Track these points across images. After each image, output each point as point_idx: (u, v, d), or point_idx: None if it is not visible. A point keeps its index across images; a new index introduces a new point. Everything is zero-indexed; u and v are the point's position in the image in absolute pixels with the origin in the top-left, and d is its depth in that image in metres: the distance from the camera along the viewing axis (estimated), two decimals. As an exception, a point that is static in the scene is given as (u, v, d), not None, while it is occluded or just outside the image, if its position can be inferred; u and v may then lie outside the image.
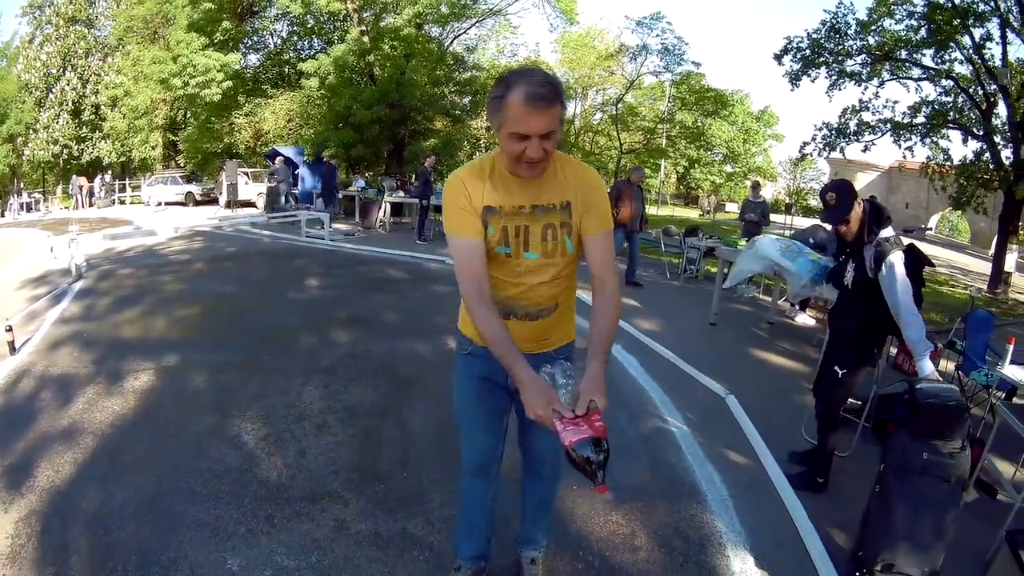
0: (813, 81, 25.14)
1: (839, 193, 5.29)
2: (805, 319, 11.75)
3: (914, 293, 5.16)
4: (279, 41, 37.94)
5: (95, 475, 5.18)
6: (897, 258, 5.07)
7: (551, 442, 3.25)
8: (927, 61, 22.52)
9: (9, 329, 8.34)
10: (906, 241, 5.42)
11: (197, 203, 35.36)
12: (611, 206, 11.27)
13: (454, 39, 35.70)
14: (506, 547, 4.15)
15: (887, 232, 5.20)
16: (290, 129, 33.51)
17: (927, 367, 4.96)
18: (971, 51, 20.73)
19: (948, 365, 8.31)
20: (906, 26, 22.36)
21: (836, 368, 5.57)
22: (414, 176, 28.25)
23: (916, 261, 5.29)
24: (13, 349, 8.24)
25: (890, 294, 5.10)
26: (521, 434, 3.64)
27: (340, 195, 26.47)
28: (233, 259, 16.26)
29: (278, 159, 28.37)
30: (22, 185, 48.32)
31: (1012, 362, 6.08)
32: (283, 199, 27.32)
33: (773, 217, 21.23)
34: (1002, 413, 5.41)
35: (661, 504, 5.08)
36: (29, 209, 37.50)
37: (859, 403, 6.79)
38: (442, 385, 6.74)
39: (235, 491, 4.91)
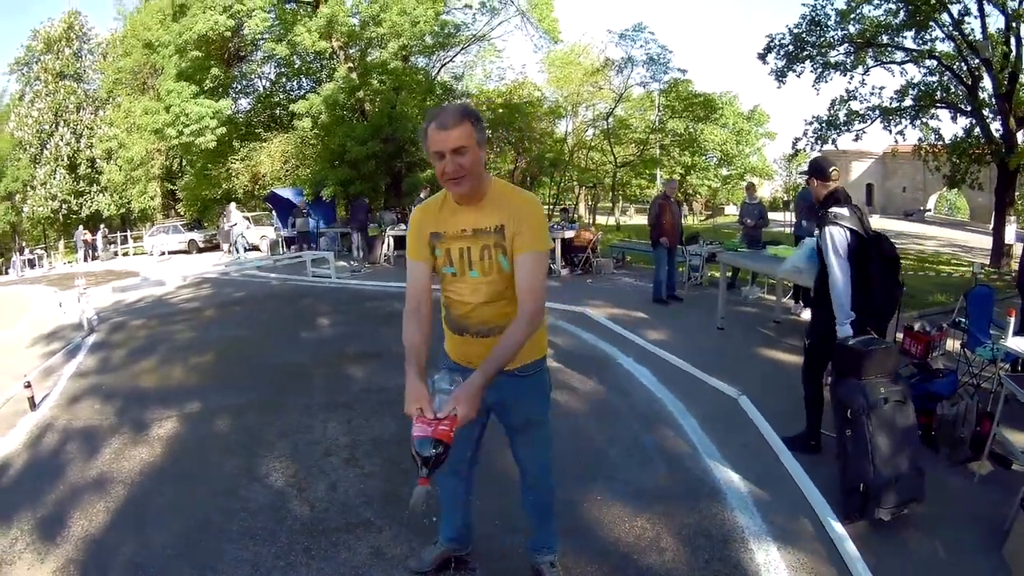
0: (799, 76, 25.17)
1: (814, 164, 6.36)
2: (810, 316, 11.62)
3: (888, 288, 5.83)
4: (268, 84, 37.90)
5: (129, 522, 5.26)
6: (837, 231, 5.69)
7: (531, 454, 3.96)
8: (909, 43, 22.68)
9: (28, 385, 8.40)
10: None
11: (200, 250, 35.39)
12: (652, 224, 11.25)
13: (441, 67, 35.72)
14: (523, 556, 4.30)
15: (841, 211, 5.76)
16: (287, 170, 33.48)
17: (847, 331, 5.55)
18: (951, 28, 20.83)
19: (955, 344, 8.44)
20: (885, 10, 22.48)
21: (806, 340, 6.54)
22: (412, 208, 27.86)
23: (882, 255, 5.81)
24: (34, 405, 8.31)
25: (825, 255, 5.78)
26: (510, 445, 3.98)
27: (339, 232, 26.28)
28: (242, 303, 16.31)
29: (300, 200, 28.16)
30: (23, 242, 48.41)
31: (1016, 334, 6.22)
32: (311, 243, 26.22)
33: (774, 216, 21.28)
34: (1008, 385, 5.35)
35: (682, 506, 5.16)
36: (33, 265, 37.51)
37: None
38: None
39: (270, 527, 5.00)
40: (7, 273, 37.10)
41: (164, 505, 5.52)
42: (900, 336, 8.96)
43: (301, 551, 4.66)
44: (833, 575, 4.34)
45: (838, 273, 5.63)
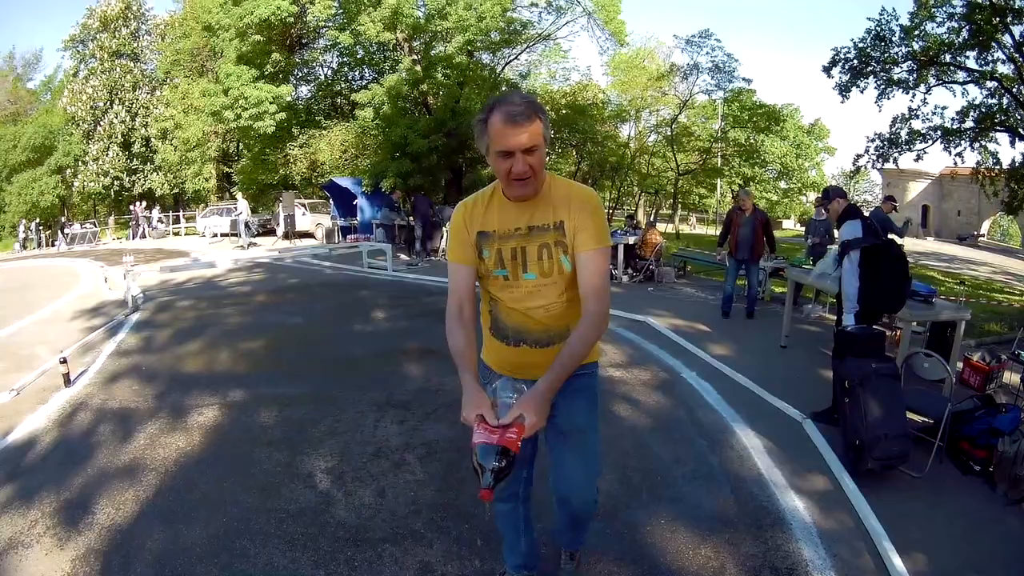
0: (862, 91, 25.27)
1: (827, 191, 8.33)
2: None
3: (896, 281, 7.14)
4: (330, 72, 38.06)
5: (159, 514, 5.11)
6: (851, 226, 7.27)
7: (574, 464, 3.53)
8: (971, 63, 22.62)
9: (64, 361, 8.32)
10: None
11: (254, 235, 35.46)
12: (723, 235, 11.51)
13: (506, 65, 35.61)
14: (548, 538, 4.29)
15: (854, 223, 7.31)
16: (346, 160, 33.55)
17: (851, 320, 6.96)
18: (1012, 50, 20.66)
19: (1013, 377, 8.50)
20: (947, 28, 22.62)
21: (836, 329, 7.47)
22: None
23: (890, 255, 7.17)
24: (68, 381, 8.25)
25: (841, 255, 7.29)
26: (551, 453, 3.65)
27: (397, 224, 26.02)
28: (296, 291, 16.32)
29: (396, 194, 27.44)
30: (68, 217, 48.75)
31: None
32: (418, 244, 23.99)
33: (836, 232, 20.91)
34: None
35: (747, 535, 4.99)
36: (73, 241, 37.11)
37: (931, 421, 6.67)
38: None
39: (311, 532, 4.79)
40: (54, 245, 37.28)
41: (198, 499, 5.36)
42: (960, 365, 8.79)
43: (343, 561, 4.43)
44: None
45: (848, 269, 7.12)
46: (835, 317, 8.42)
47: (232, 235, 34.34)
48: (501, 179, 3.07)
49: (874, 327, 6.85)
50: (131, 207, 40.33)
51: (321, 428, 6.85)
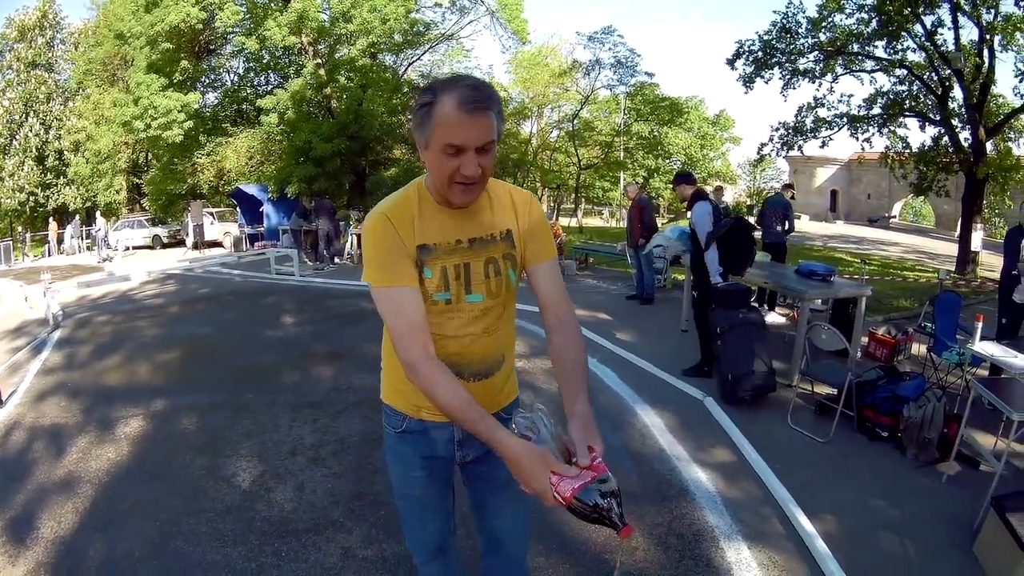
0: (767, 82, 24.97)
1: (677, 176, 9.82)
2: (775, 318, 11.89)
3: (741, 248, 8.72)
4: (236, 78, 37.79)
5: (98, 523, 5.23)
6: (702, 206, 8.70)
7: (513, 518, 3.04)
8: (880, 52, 22.57)
9: (-5, 382, 8.27)
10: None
11: (164, 246, 35.17)
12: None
13: (408, 66, 35.74)
14: None
15: (703, 205, 8.75)
16: (252, 166, 33.37)
17: (717, 279, 8.42)
18: (923, 38, 20.80)
19: (920, 348, 8.76)
20: (857, 19, 22.33)
21: (694, 293, 9.42)
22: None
23: (741, 229, 8.79)
24: (0, 402, 8.27)
25: (698, 232, 8.71)
26: (475, 512, 3.12)
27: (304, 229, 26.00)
28: (207, 300, 16.31)
29: (307, 201, 25.94)
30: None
31: (982, 338, 6.46)
32: (323, 247, 23.12)
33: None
34: (977, 389, 5.66)
35: (652, 507, 5.23)
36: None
37: (835, 391, 6.97)
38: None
39: (239, 529, 4.98)
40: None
41: (132, 506, 5.50)
42: (865, 340, 9.13)
43: (271, 553, 4.65)
44: (804, 571, 4.41)
45: (709, 255, 8.53)
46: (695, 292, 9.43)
47: (174, 244, 34.88)
48: (440, 181, 2.38)
49: (739, 286, 8.51)
50: (69, 224, 39.53)
51: (239, 431, 7.03)
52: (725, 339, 7.79)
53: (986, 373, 7.49)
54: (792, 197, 14.36)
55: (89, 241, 35.30)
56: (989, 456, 5.69)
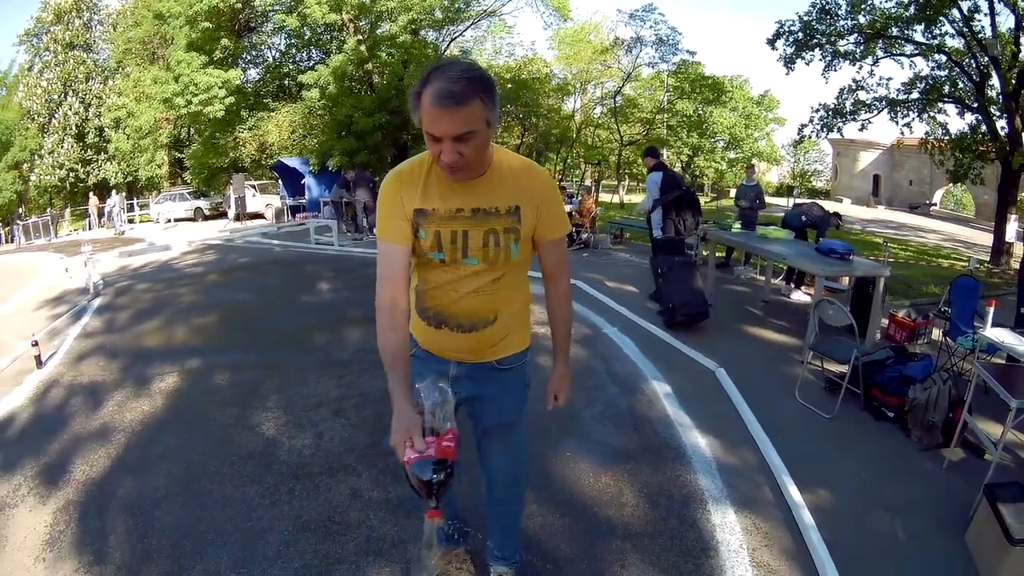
0: (808, 64, 24.72)
1: (646, 151, 12.73)
2: (800, 296, 11.90)
3: (685, 214, 11.30)
4: (277, 55, 37.87)
5: (128, 467, 5.57)
6: (653, 176, 11.52)
7: (504, 461, 3.52)
8: (918, 37, 22.27)
9: (35, 344, 8.68)
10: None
11: (206, 218, 35.60)
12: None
13: (450, 42, 35.67)
14: (482, 559, 4.13)
15: (656, 175, 11.52)
16: (293, 140, 33.58)
17: (659, 233, 11.27)
18: (961, 24, 20.54)
19: (937, 333, 8.69)
20: (895, 2, 22.17)
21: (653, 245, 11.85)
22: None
23: (682, 199, 11.35)
24: (40, 363, 8.56)
25: (650, 194, 11.53)
26: (477, 449, 3.52)
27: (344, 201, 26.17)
28: (246, 269, 16.52)
29: (350, 173, 26.02)
30: (24, 211, 48.05)
31: (994, 324, 6.40)
32: (362, 218, 23.85)
33: (777, 200, 21.15)
34: (980, 373, 5.48)
35: (647, 466, 5.43)
36: (29, 235, 36.37)
37: (843, 368, 6.98)
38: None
39: (259, 471, 5.31)
40: (12, 241, 36.89)
41: (162, 452, 5.82)
42: (885, 321, 9.20)
43: (286, 492, 4.98)
44: (787, 540, 4.51)
45: (655, 216, 11.41)
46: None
47: (216, 216, 35.48)
48: (434, 159, 2.67)
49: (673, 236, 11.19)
50: (104, 200, 39.74)
51: (268, 387, 7.34)
52: (666, 277, 9.99)
53: (1003, 361, 7.09)
54: (753, 177, 15.94)
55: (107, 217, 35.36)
56: (988, 443, 5.57)
